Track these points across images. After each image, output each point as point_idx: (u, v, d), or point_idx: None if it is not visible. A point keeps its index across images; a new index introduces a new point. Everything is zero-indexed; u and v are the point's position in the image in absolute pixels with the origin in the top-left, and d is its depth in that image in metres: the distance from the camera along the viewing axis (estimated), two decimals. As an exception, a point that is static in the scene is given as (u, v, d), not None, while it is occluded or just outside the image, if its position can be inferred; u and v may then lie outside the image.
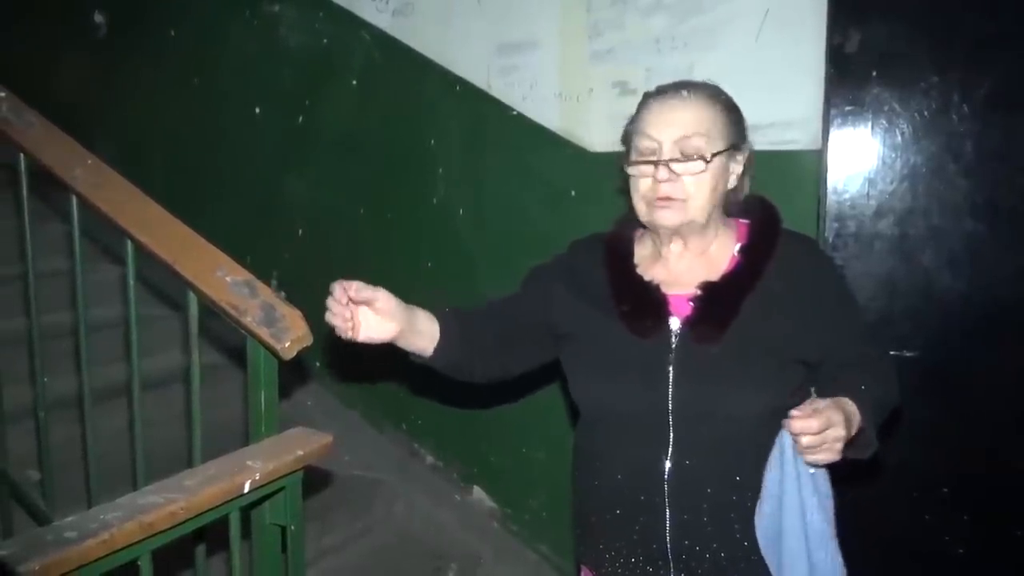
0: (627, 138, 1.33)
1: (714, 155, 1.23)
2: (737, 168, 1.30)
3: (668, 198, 1.25)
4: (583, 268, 1.39)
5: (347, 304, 1.22)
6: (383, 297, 1.24)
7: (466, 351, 1.36)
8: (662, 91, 1.29)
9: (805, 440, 1.06)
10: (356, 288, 1.20)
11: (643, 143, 1.27)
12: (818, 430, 1.05)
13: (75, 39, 3.67)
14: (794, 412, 1.06)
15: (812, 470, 1.16)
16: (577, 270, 1.41)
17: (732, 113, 1.29)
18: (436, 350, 1.33)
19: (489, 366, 1.42)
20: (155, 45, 3.39)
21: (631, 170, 1.29)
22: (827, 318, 1.25)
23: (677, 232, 1.29)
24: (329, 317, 1.23)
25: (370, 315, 1.24)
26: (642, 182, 1.27)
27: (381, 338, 1.27)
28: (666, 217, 1.26)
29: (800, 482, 1.15)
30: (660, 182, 1.24)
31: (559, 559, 2.45)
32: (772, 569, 1.19)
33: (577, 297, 1.37)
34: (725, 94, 1.30)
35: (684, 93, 1.26)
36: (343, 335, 1.23)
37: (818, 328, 1.24)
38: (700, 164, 1.22)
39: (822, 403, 1.08)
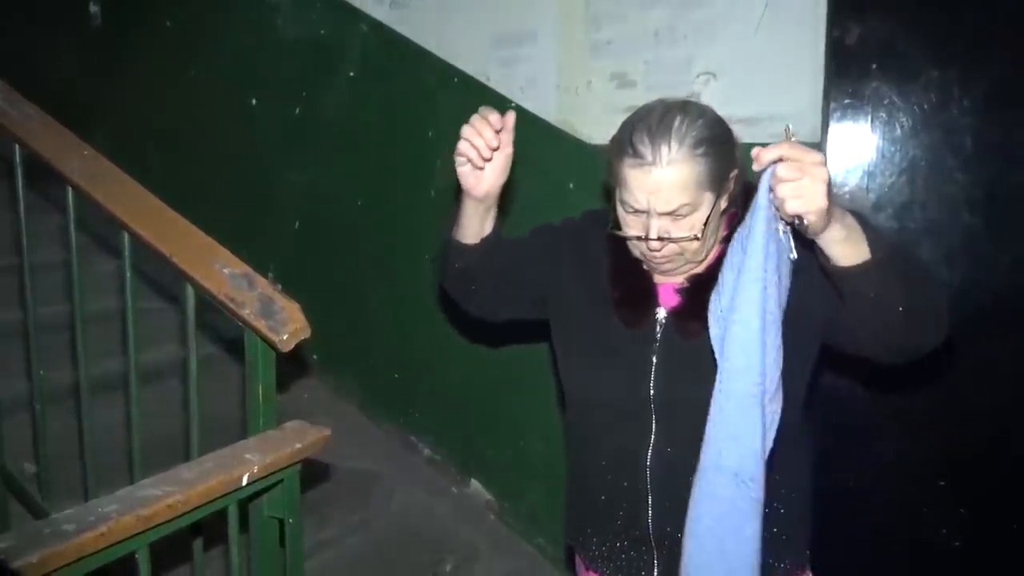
0: (609, 161, 1.23)
1: (706, 221, 1.18)
2: (730, 186, 1.23)
3: (662, 260, 1.22)
4: (592, 239, 1.37)
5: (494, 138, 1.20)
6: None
7: (487, 264, 1.35)
8: (640, 153, 1.15)
9: (781, 170, 1.01)
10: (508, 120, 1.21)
11: (626, 198, 1.20)
12: (779, 154, 1.01)
13: (70, 29, 3.64)
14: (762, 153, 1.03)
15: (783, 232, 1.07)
16: (586, 240, 1.39)
17: (718, 149, 1.17)
18: (481, 242, 1.32)
19: (488, 294, 1.41)
20: (150, 35, 3.37)
21: (621, 213, 1.23)
22: (817, 290, 1.17)
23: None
24: (471, 135, 1.20)
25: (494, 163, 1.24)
26: (631, 232, 1.22)
27: (487, 189, 1.25)
28: (665, 271, 1.26)
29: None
30: (652, 250, 1.21)
31: (556, 551, 2.46)
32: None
33: (579, 268, 1.36)
34: (708, 129, 1.17)
35: (664, 155, 1.14)
36: (476, 162, 1.21)
37: (808, 305, 1.18)
38: (696, 228, 1.18)
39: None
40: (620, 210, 1.23)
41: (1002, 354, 1.68)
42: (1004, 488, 1.70)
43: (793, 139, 1.04)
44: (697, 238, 1.18)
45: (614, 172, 1.21)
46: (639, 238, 1.21)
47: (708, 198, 1.18)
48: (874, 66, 1.71)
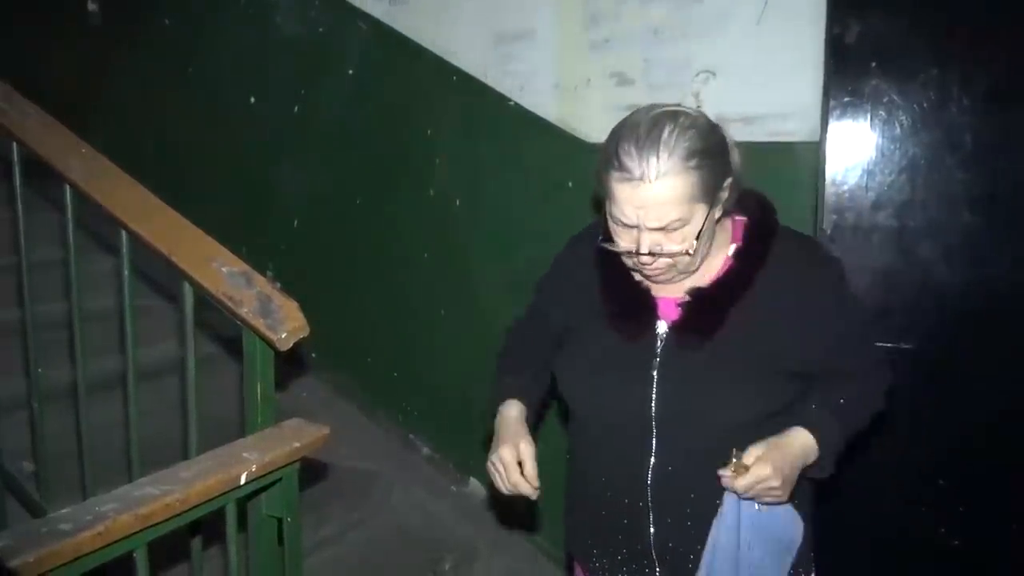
0: (599, 183, 1.20)
1: (699, 234, 1.15)
2: (724, 195, 1.20)
3: (656, 270, 1.21)
4: (579, 262, 1.37)
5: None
6: (524, 439, 1.32)
7: (542, 393, 1.45)
8: (627, 168, 1.11)
9: (741, 494, 1.14)
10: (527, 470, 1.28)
11: (616, 214, 1.17)
12: (744, 489, 1.12)
13: (69, 28, 3.64)
14: (721, 472, 1.13)
15: (757, 507, 1.18)
16: (574, 265, 1.39)
17: (711, 160, 1.14)
18: (529, 419, 1.40)
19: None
20: (149, 34, 3.37)
21: (612, 226, 1.20)
22: (821, 328, 1.21)
23: None
24: (507, 487, 1.30)
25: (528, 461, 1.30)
26: (621, 246, 1.19)
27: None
28: (658, 283, 1.25)
29: (740, 516, 1.18)
30: (643, 264, 1.19)
31: (554, 549, 2.45)
32: None
33: (573, 293, 1.36)
34: (701, 140, 1.12)
35: (652, 170, 1.10)
36: (533, 495, 1.29)
37: (811, 339, 1.20)
38: (688, 240, 1.15)
39: (753, 454, 1.13)
40: (610, 222, 1.19)
41: (1002, 352, 1.67)
42: (1004, 487, 1.70)
43: (740, 464, 1.14)
44: (689, 253, 1.16)
45: (602, 184, 1.17)
46: (630, 252, 1.18)
47: (701, 210, 1.15)
48: (874, 64, 1.70)
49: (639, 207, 1.12)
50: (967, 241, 1.68)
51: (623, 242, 1.18)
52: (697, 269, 1.24)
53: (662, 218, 1.12)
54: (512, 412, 1.36)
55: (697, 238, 1.15)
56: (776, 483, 1.11)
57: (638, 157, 1.10)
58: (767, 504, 1.17)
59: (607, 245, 1.22)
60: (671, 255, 1.16)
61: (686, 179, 1.11)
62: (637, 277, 1.29)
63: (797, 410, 1.21)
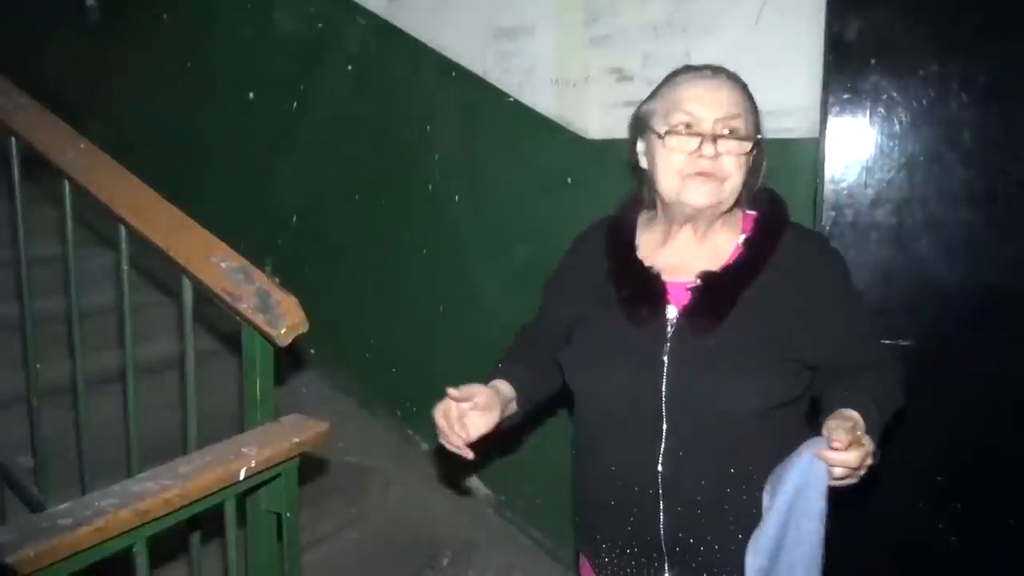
0: (646, 118, 1.29)
1: (758, 138, 1.24)
2: (753, 151, 1.25)
3: (708, 174, 1.21)
4: (584, 258, 1.39)
5: (457, 418, 1.30)
6: (479, 392, 1.32)
7: (539, 388, 1.45)
8: (697, 69, 1.27)
9: (839, 471, 1.08)
10: (459, 395, 1.30)
11: (678, 118, 1.22)
12: (857, 464, 1.07)
13: (67, 23, 3.63)
14: (835, 443, 1.05)
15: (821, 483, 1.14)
16: (579, 262, 1.40)
17: (754, 105, 1.29)
18: (519, 405, 1.41)
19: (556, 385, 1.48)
20: (147, 29, 3.36)
21: (670, 141, 1.22)
22: (829, 320, 1.23)
23: (700, 213, 1.25)
24: (443, 440, 1.33)
25: (474, 416, 1.31)
26: (676, 157, 1.22)
27: (487, 430, 1.32)
28: (701, 194, 1.22)
29: (808, 501, 1.12)
30: (703, 157, 1.20)
31: (553, 545, 2.46)
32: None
33: (579, 287, 1.36)
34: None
35: (723, 75, 1.26)
36: (465, 455, 1.31)
37: (818, 329, 1.22)
38: (747, 144, 1.22)
39: (861, 429, 1.09)
40: (667, 139, 1.22)
41: (1001, 350, 1.67)
42: (1002, 485, 1.70)
43: (857, 434, 1.07)
44: (753, 140, 1.23)
45: (659, 101, 1.27)
46: (698, 135, 1.20)
47: (751, 133, 1.24)
48: (873, 60, 1.70)
49: (709, 100, 1.22)
50: (966, 238, 1.68)
51: (683, 147, 1.22)
52: (727, 199, 1.24)
53: (731, 107, 1.22)
54: (490, 382, 1.38)
55: (749, 152, 1.23)
56: (872, 461, 1.11)
57: (706, 66, 1.27)
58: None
59: (669, 140, 1.22)
60: (732, 152, 1.21)
61: (744, 93, 1.26)
62: (645, 260, 1.30)
63: (824, 399, 1.22)
